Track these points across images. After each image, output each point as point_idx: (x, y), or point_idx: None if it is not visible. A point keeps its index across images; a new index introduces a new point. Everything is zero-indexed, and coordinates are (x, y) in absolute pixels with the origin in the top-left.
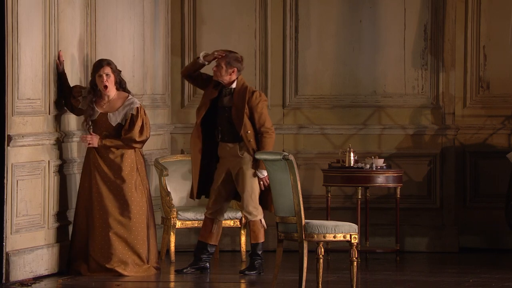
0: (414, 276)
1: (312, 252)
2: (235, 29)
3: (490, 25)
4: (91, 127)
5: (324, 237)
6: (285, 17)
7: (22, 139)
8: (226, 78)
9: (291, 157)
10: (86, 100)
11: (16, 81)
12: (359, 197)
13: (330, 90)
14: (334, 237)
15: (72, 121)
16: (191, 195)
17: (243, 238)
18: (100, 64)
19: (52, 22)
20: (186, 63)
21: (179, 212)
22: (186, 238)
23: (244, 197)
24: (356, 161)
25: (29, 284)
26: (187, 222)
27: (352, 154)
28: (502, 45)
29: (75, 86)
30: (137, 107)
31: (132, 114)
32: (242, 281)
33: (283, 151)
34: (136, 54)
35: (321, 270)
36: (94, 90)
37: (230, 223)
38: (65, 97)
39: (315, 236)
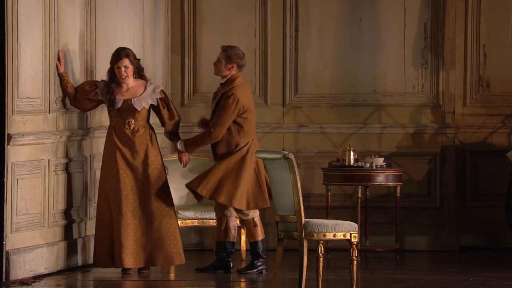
0: (414, 275)
1: (312, 251)
2: (235, 28)
3: (490, 24)
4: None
5: (324, 236)
6: (285, 16)
7: (22, 138)
8: (225, 73)
9: (291, 156)
10: (106, 90)
11: (16, 80)
12: (359, 196)
13: (330, 89)
14: (334, 236)
15: (72, 119)
16: (259, 204)
17: (242, 237)
18: (118, 56)
19: (52, 21)
20: (186, 62)
21: (179, 211)
22: (186, 237)
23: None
24: (356, 160)
25: (29, 283)
26: (187, 221)
27: (352, 153)
28: (502, 44)
29: (84, 83)
30: (161, 90)
31: (159, 99)
32: (242, 279)
33: (283, 150)
34: (136, 52)
35: (321, 269)
36: (113, 79)
37: None
38: (74, 97)
39: (315, 235)
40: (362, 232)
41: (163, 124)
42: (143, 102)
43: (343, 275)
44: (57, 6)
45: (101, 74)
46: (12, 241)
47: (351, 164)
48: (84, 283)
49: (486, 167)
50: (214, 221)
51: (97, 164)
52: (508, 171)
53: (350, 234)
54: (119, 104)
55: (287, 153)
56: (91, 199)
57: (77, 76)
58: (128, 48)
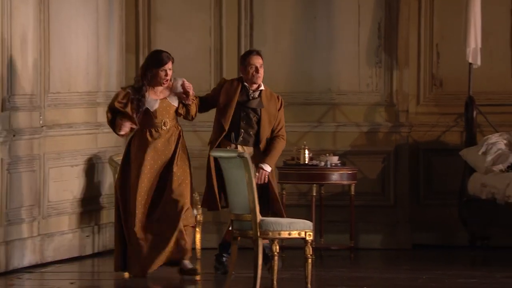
0: (368, 273)
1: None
2: (190, 27)
3: (443, 23)
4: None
5: (279, 234)
6: (240, 14)
7: None
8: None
9: (246, 155)
10: (139, 96)
11: None
12: (314, 194)
13: (284, 88)
14: (289, 234)
15: (25, 118)
16: (213, 206)
17: (198, 236)
18: (163, 61)
19: (5, 18)
20: (141, 60)
21: None
22: None
23: (272, 198)
24: (310, 159)
25: None
26: None
27: (306, 152)
28: (455, 43)
29: (118, 102)
30: (183, 81)
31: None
32: (197, 278)
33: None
34: (90, 51)
35: (276, 267)
36: (150, 81)
37: None
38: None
39: (270, 233)
40: (317, 231)
41: (187, 117)
42: (175, 100)
43: (298, 274)
44: (10, 3)
45: (55, 72)
46: None
47: (306, 162)
48: (37, 283)
49: (440, 166)
50: None
51: (51, 163)
52: (461, 169)
53: (305, 233)
54: (156, 105)
55: (242, 151)
56: (44, 198)
57: (29, 73)
58: (167, 51)
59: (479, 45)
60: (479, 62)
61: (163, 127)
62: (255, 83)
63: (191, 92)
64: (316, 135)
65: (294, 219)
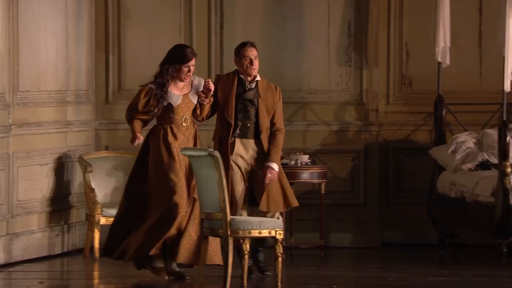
0: (338, 271)
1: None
2: (160, 25)
3: (413, 22)
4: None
5: (250, 233)
6: (210, 13)
7: None
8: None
9: (217, 154)
10: (162, 92)
11: None
12: None
13: None
14: (260, 233)
15: None
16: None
17: None
18: (188, 57)
19: None
20: (111, 59)
21: (103, 209)
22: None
23: (287, 194)
24: (281, 157)
25: None
26: (111, 219)
27: None
28: (424, 43)
29: (140, 113)
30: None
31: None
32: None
33: (208, 147)
34: (59, 49)
35: (246, 266)
36: (173, 77)
37: None
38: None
39: (240, 232)
40: (287, 229)
41: (198, 117)
42: (194, 97)
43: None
44: None
45: (24, 70)
46: None
47: None
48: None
49: (409, 164)
50: None
51: (20, 162)
52: (430, 168)
53: (275, 231)
54: (178, 101)
55: (212, 150)
56: (13, 197)
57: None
58: (191, 48)
59: (448, 44)
60: (448, 61)
61: (184, 124)
62: (249, 75)
63: (211, 92)
64: (286, 134)
65: (265, 218)
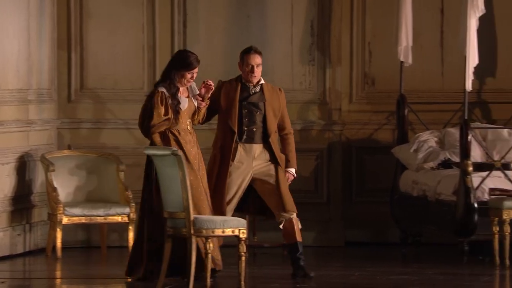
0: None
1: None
2: (122, 24)
3: (375, 22)
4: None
5: (213, 232)
6: (173, 12)
7: None
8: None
9: (180, 153)
10: (174, 98)
11: None
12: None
13: None
14: (223, 232)
15: None
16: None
17: (130, 234)
18: (193, 65)
19: None
20: (73, 57)
21: (65, 208)
22: (73, 234)
23: (284, 197)
24: None
25: None
26: (73, 218)
27: None
28: (386, 42)
29: (161, 122)
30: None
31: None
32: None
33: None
34: (21, 48)
35: (209, 266)
36: (175, 83)
37: (118, 218)
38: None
39: (204, 231)
40: (250, 228)
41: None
42: (194, 101)
43: (231, 271)
44: None
45: None
46: None
47: None
48: None
49: (372, 163)
50: (101, 218)
51: None
52: (392, 167)
53: (239, 230)
54: (185, 105)
55: (175, 149)
56: None
57: None
58: (192, 52)
59: (410, 43)
60: (410, 61)
61: (188, 127)
62: (251, 83)
63: (210, 92)
64: None
65: (228, 217)
